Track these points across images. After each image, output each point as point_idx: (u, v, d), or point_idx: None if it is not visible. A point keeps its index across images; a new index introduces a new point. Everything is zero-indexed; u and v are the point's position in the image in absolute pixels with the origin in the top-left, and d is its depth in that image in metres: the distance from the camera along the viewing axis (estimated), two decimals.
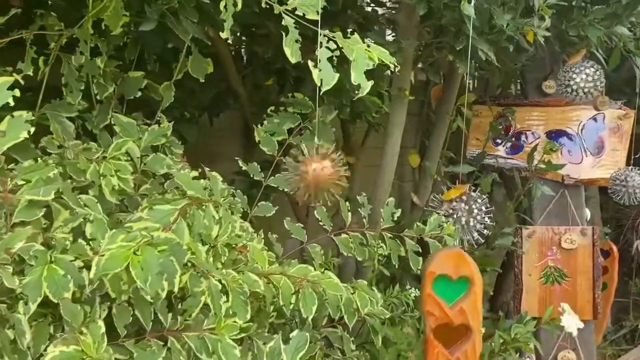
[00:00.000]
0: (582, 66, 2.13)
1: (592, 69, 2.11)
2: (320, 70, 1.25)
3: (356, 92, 1.26)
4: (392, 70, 1.29)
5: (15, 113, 1.07)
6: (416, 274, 1.88)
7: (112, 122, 1.46)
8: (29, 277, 0.98)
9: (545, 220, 2.70)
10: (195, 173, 1.43)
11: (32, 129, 1.08)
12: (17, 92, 1.07)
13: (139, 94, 1.55)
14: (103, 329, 0.97)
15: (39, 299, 0.97)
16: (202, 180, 1.44)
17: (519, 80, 2.87)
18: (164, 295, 1.00)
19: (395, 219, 1.86)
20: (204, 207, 1.35)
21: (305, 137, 1.85)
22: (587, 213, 2.81)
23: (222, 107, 2.05)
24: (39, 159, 1.11)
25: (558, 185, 2.63)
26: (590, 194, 3.18)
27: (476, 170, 2.37)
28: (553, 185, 2.59)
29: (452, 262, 1.39)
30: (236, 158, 1.76)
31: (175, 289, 1.05)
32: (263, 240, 1.50)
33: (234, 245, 1.38)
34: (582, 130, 2.72)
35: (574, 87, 2.10)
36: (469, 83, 2.69)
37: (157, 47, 1.66)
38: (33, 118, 1.05)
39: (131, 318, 1.09)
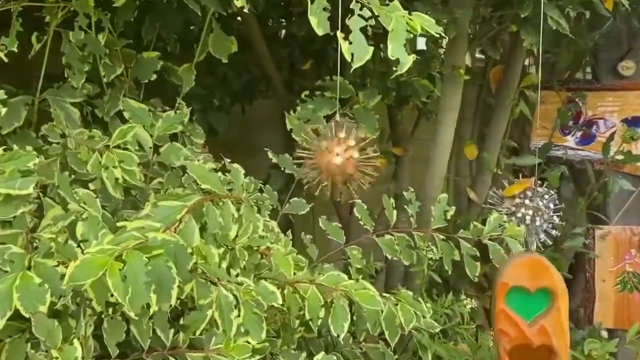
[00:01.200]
0: None
1: None
2: (350, 42, 1.03)
3: (395, 69, 1.04)
4: (444, 47, 1.06)
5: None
6: (473, 280, 1.64)
7: (123, 108, 1.29)
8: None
9: (623, 219, 2.39)
10: (212, 164, 1.25)
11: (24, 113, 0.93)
12: None
13: (154, 76, 1.38)
14: (79, 352, 0.80)
15: (9, 312, 0.81)
16: (220, 174, 1.26)
17: (589, 63, 2.57)
18: (154, 309, 0.82)
19: (449, 217, 1.62)
20: (220, 203, 1.17)
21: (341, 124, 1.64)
22: None
23: (255, 95, 1.87)
24: (14, 147, 0.95)
25: (637, 180, 2.32)
26: None
27: (542, 163, 2.09)
28: (632, 179, 2.28)
29: (529, 270, 1.15)
30: (266, 149, 1.57)
31: (173, 302, 0.86)
32: (291, 241, 1.30)
33: (255, 248, 1.19)
34: None
35: None
36: (531, 67, 2.40)
37: (177, 27, 1.49)
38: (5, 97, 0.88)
39: (124, 335, 0.92)
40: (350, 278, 1.33)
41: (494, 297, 1.12)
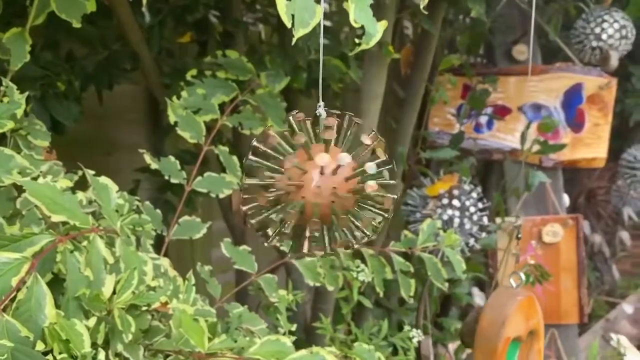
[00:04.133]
0: (613, 13, 1.67)
1: (624, 17, 1.66)
2: None
3: (357, 41, 0.68)
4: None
5: None
6: (407, 301, 1.36)
7: None
8: None
9: (523, 209, 2.30)
10: (66, 181, 0.81)
11: None
12: None
13: None
14: None
15: None
16: (80, 193, 0.82)
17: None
18: None
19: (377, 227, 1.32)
20: (84, 243, 0.74)
21: (245, 114, 1.26)
22: (567, 199, 2.44)
23: (115, 77, 1.40)
24: None
25: (540, 170, 2.23)
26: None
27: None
28: (534, 169, 2.18)
29: (524, 314, 0.87)
30: (140, 150, 1.14)
31: None
32: (194, 286, 0.90)
33: (144, 307, 0.77)
34: (559, 102, 2.33)
35: (598, 40, 1.65)
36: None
37: None
38: None
39: None
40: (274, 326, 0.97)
41: (488, 355, 0.83)
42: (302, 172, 0.46)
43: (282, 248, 1.19)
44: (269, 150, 0.47)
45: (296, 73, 1.30)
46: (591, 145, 2.34)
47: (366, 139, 0.50)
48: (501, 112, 2.29)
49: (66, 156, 1.04)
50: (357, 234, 0.53)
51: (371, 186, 0.47)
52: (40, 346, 0.56)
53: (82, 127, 1.33)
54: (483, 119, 2.27)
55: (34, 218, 0.85)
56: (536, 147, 1.84)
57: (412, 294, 1.32)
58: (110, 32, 1.39)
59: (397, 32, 1.88)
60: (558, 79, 2.28)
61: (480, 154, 2.27)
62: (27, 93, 0.92)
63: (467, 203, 1.56)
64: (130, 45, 1.38)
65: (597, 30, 1.66)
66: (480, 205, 1.59)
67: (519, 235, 1.24)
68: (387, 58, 1.29)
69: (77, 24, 1.00)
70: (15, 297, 0.61)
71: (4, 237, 0.68)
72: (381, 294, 1.30)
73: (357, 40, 0.69)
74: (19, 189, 0.88)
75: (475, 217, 1.57)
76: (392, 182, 0.54)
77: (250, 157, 0.47)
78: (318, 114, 0.49)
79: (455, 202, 1.55)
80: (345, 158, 0.47)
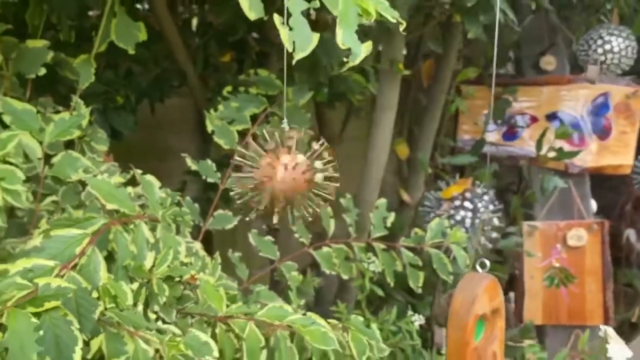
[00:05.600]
0: (615, 30, 1.78)
1: (628, 34, 1.76)
2: (291, 28, 0.85)
3: (344, 60, 0.87)
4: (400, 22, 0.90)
5: None
6: (416, 292, 1.51)
7: (1, 110, 1.03)
8: None
9: (548, 215, 2.39)
10: (119, 178, 1.02)
11: None
12: None
13: (43, 71, 1.12)
14: None
15: None
16: (130, 188, 1.04)
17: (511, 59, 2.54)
18: None
19: (389, 225, 1.49)
20: (132, 226, 0.95)
21: (272, 124, 1.45)
22: (594, 205, 2.51)
23: (165, 91, 1.63)
24: None
25: (561, 175, 2.32)
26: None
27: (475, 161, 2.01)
28: (555, 175, 2.27)
29: (489, 294, 1.02)
30: (183, 155, 1.35)
31: None
32: (220, 265, 1.10)
33: (177, 278, 0.98)
34: (586, 111, 2.41)
35: (602, 56, 1.76)
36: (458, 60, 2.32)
37: (70, 10, 1.24)
38: None
39: None
40: (288, 303, 1.15)
41: (461, 335, 0.98)
42: (272, 168, 0.64)
43: (301, 239, 1.38)
44: (249, 153, 0.65)
45: (318, 88, 1.49)
46: (618, 153, 2.41)
47: (315, 145, 0.68)
48: (529, 120, 2.40)
49: (124, 160, 1.26)
50: (310, 210, 0.70)
51: (318, 177, 0.65)
52: (94, 294, 0.76)
53: (137, 136, 1.56)
54: (511, 127, 2.38)
55: (95, 207, 1.07)
56: (552, 154, 1.95)
57: (420, 284, 1.48)
58: (161, 53, 1.62)
59: (420, 46, 2.03)
60: (585, 88, 2.36)
61: (508, 161, 2.39)
62: (91, 107, 1.15)
63: (479, 205, 1.70)
64: (179, 64, 1.61)
65: (600, 45, 1.77)
66: (491, 207, 1.72)
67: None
68: (398, 74, 1.45)
69: (131, 51, 1.22)
70: (78, 262, 0.82)
71: (71, 219, 0.90)
72: (391, 284, 1.47)
73: (344, 59, 0.87)
74: (83, 184, 1.10)
75: (486, 219, 1.70)
76: (335, 174, 0.71)
77: (236, 157, 0.66)
78: (283, 127, 0.67)
79: (467, 204, 1.69)
80: (301, 158, 0.65)
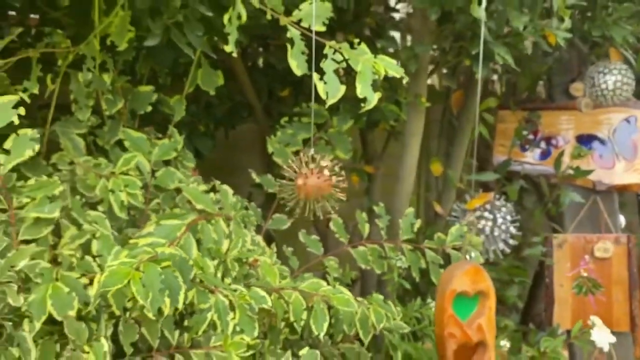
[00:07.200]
0: (611, 67, 2.05)
1: (623, 70, 2.03)
2: (325, 82, 1.22)
3: (362, 105, 1.22)
4: (407, 77, 1.26)
5: (20, 131, 1.07)
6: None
7: (122, 138, 1.45)
8: (34, 295, 0.97)
9: (577, 228, 2.60)
10: (204, 187, 1.41)
11: (37, 147, 1.08)
12: (22, 111, 1.06)
13: (150, 108, 1.54)
14: (106, 347, 0.96)
15: (44, 317, 0.96)
16: (211, 194, 1.42)
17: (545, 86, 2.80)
18: (167, 312, 0.98)
19: (415, 230, 1.81)
20: (213, 221, 1.33)
21: (320, 147, 1.82)
22: (622, 220, 2.70)
23: (237, 120, 2.04)
24: (44, 176, 1.10)
25: (589, 192, 2.54)
26: (627, 200, 3.05)
27: (502, 178, 2.30)
28: (584, 192, 2.49)
29: (471, 277, 1.32)
30: (250, 170, 1.74)
31: (180, 306, 1.02)
32: (275, 254, 1.47)
33: (244, 260, 1.35)
34: (613, 133, 2.62)
35: (608, 87, 2.03)
36: (495, 87, 2.62)
37: (167, 61, 1.66)
38: (38, 136, 1.04)
39: (137, 335, 1.07)
40: (328, 285, 1.50)
41: (441, 303, 1.30)
42: (306, 177, 1.00)
43: (341, 239, 1.72)
44: (295, 167, 1.02)
45: (358, 117, 1.84)
46: None
47: (323, 162, 1.03)
48: (562, 142, 2.64)
49: (205, 174, 1.65)
50: (327, 207, 1.05)
51: (334, 183, 1.00)
52: (190, 263, 1.13)
53: (214, 155, 1.96)
54: (544, 148, 2.63)
55: (185, 208, 1.46)
56: (570, 172, 2.21)
57: None
58: (233, 89, 2.03)
59: (456, 76, 2.34)
60: (612, 112, 2.59)
61: (539, 178, 2.64)
62: (186, 135, 1.55)
63: (498, 215, 1.99)
64: (247, 98, 2.01)
65: (602, 78, 2.04)
66: (509, 217, 2.01)
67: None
68: (421, 106, 1.79)
69: (212, 92, 1.62)
70: (178, 242, 1.20)
71: (172, 215, 1.29)
72: (417, 279, 1.78)
73: (362, 105, 1.22)
74: (177, 191, 1.50)
75: (504, 227, 1.99)
76: (344, 185, 1.05)
77: (286, 168, 1.03)
78: (312, 153, 1.03)
79: (487, 215, 1.98)
80: (324, 171, 1.00)
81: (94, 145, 1.50)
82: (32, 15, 1.59)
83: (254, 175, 1.74)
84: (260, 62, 2.21)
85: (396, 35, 2.24)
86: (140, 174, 1.42)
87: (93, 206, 1.29)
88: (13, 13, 1.60)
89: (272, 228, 1.69)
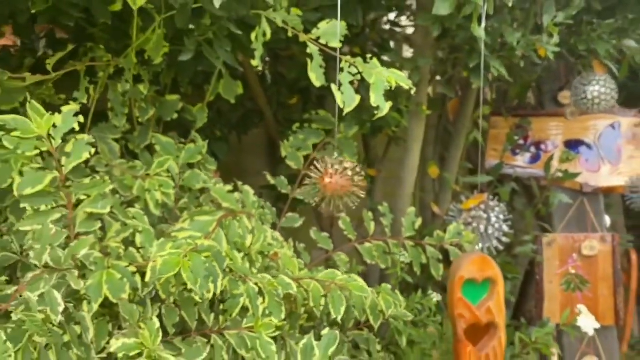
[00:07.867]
0: (591, 79, 2.23)
1: (605, 80, 2.20)
2: (342, 93, 1.37)
3: (375, 112, 1.37)
4: (410, 88, 1.41)
5: (78, 136, 1.21)
6: (438, 281, 1.98)
7: (153, 142, 1.59)
8: (91, 280, 1.11)
9: (566, 228, 2.76)
10: (229, 187, 1.55)
11: (93, 150, 1.21)
12: (81, 119, 1.20)
13: (176, 115, 1.68)
14: (158, 325, 1.09)
15: (100, 300, 1.10)
16: (235, 194, 1.56)
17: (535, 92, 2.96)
18: (210, 296, 1.12)
19: (416, 227, 1.96)
20: (238, 218, 1.47)
21: (328, 151, 1.96)
22: (608, 220, 2.86)
23: (249, 126, 2.19)
24: (96, 176, 1.24)
25: (577, 194, 2.69)
26: (612, 201, 3.21)
27: (495, 181, 2.46)
28: (572, 193, 2.64)
29: (478, 266, 1.48)
30: (264, 173, 1.88)
31: (218, 292, 1.16)
32: (292, 248, 1.61)
33: (266, 253, 1.49)
34: (599, 138, 2.78)
35: (589, 97, 2.20)
36: (487, 95, 2.78)
37: (190, 72, 1.80)
38: (94, 140, 1.18)
39: (177, 318, 1.21)
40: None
41: (452, 288, 1.45)
42: (330, 176, 1.15)
43: (349, 236, 1.87)
44: (316, 168, 1.17)
45: (363, 123, 1.99)
46: (626, 175, 2.77)
47: (346, 164, 1.18)
48: (551, 146, 2.80)
49: (224, 176, 1.79)
50: (350, 204, 1.20)
51: (355, 182, 1.15)
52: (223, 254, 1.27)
53: (229, 159, 2.10)
54: (534, 152, 2.79)
55: (209, 207, 1.60)
56: (558, 175, 2.38)
57: (441, 273, 1.94)
58: (245, 97, 2.17)
59: (451, 85, 2.50)
60: (598, 119, 2.76)
61: (529, 181, 2.80)
62: (207, 141, 1.69)
63: (492, 215, 2.14)
64: (258, 106, 2.15)
65: (585, 89, 2.21)
66: (502, 217, 2.16)
67: None
68: (422, 114, 1.95)
69: (232, 101, 1.77)
70: (211, 236, 1.34)
71: (203, 212, 1.44)
72: (418, 273, 1.93)
73: (374, 112, 1.37)
74: (201, 192, 1.64)
75: (497, 226, 2.14)
76: (364, 184, 1.20)
77: (311, 167, 1.18)
78: (336, 156, 1.18)
79: (482, 214, 2.14)
80: (347, 171, 1.16)
81: (125, 149, 1.64)
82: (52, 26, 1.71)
83: (268, 177, 1.88)
84: (269, 72, 2.36)
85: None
86: (170, 176, 1.56)
87: (129, 204, 1.43)
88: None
89: (285, 226, 1.84)
